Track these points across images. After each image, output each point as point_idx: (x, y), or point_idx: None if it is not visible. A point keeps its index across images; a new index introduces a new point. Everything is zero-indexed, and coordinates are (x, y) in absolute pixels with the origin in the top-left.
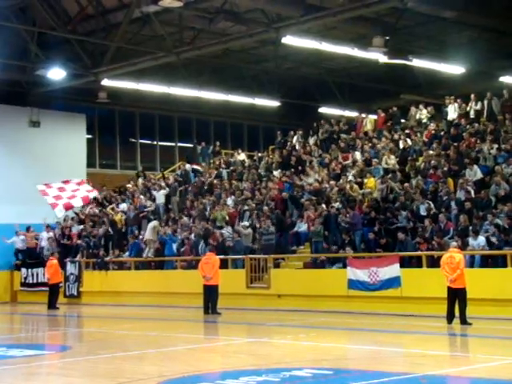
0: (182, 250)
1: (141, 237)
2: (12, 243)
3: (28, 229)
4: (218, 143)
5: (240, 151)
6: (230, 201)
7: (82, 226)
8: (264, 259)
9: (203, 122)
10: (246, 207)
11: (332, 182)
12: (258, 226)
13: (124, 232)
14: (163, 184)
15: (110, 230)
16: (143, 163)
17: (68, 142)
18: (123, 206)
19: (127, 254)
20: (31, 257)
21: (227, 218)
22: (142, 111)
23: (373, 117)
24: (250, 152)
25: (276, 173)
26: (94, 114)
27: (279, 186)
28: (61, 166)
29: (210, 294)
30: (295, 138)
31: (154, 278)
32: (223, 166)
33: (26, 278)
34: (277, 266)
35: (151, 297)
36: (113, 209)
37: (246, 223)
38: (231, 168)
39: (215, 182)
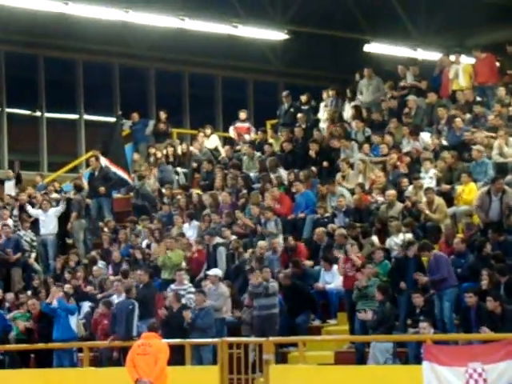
0: (92, 328)
1: (7, 304)
2: None
3: None
4: (163, 115)
5: (209, 131)
6: (189, 229)
7: None
8: (257, 346)
9: (135, 73)
10: (219, 242)
11: (391, 193)
12: (247, 279)
13: None
14: (55, 196)
15: None
16: (16, 154)
17: None
18: None
19: None
20: None
21: (184, 264)
22: (8, 50)
23: (470, 61)
24: (229, 133)
25: (279, 174)
26: None
27: (284, 201)
28: None
29: None
30: (322, 105)
31: None
32: (172, 159)
33: None
34: (282, 358)
35: None
36: None
37: (219, 271)
38: (192, 165)
39: (161, 191)
